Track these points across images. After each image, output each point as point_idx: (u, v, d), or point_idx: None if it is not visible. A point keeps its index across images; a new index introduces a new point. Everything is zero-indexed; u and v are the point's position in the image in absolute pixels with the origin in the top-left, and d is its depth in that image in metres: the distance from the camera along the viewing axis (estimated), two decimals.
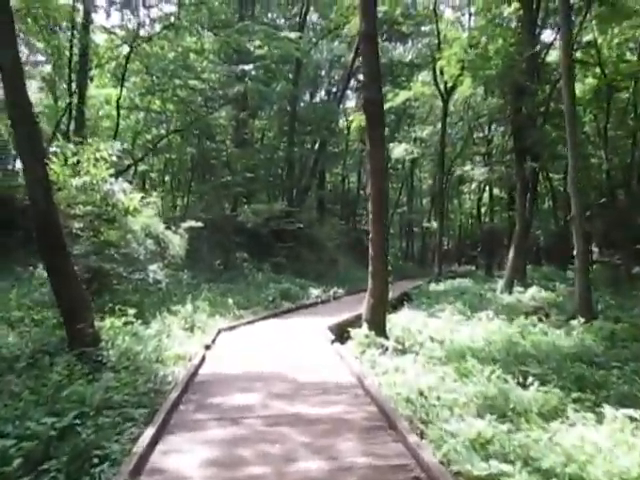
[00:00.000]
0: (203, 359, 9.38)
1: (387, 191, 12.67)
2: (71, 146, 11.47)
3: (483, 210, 50.79)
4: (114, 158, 11.10)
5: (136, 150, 26.38)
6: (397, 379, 8.25)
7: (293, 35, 22.68)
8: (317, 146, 32.28)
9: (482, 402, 6.72)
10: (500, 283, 22.05)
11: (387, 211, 12.23)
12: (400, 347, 11.13)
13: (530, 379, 7.38)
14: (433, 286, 25.50)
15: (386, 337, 11.78)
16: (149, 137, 28.79)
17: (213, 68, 24.77)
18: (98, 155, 10.86)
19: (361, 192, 42.46)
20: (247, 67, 23.97)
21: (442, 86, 29.80)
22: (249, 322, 13.51)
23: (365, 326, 11.82)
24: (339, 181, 43.77)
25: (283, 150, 29.91)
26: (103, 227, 12.36)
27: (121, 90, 22.64)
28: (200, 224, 16.11)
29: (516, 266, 22.07)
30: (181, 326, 11.97)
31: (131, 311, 11.02)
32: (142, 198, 13.16)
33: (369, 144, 11.95)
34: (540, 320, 14.69)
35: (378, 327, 11.80)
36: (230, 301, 14.96)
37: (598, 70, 28.96)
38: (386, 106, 34.99)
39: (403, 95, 32.95)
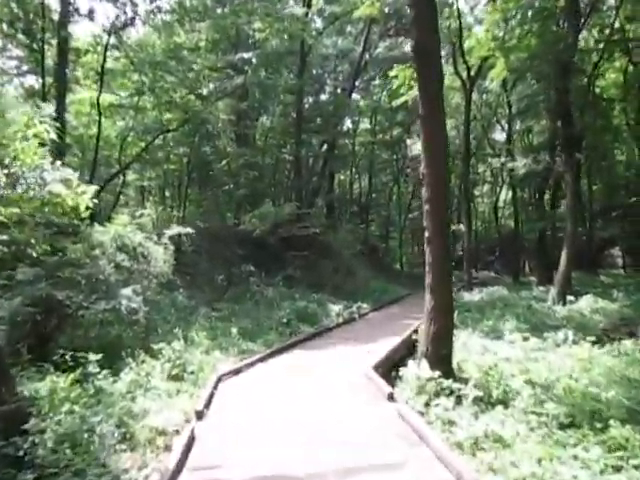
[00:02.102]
0: (189, 444, 5.70)
1: (446, 175, 9.02)
2: None
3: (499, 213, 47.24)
4: (52, 135, 7.48)
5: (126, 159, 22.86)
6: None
7: (299, 10, 19.17)
8: (325, 146, 28.79)
9: None
10: (552, 292, 18.37)
11: (448, 205, 8.62)
12: (481, 394, 7.55)
13: None
14: (467, 296, 21.81)
15: (454, 377, 8.24)
16: (141, 143, 25.40)
17: (208, 58, 21.19)
18: (30, 133, 7.22)
19: (373, 195, 38.85)
20: (247, 55, 20.49)
21: (464, 74, 26.20)
22: (260, 359, 9.82)
23: (424, 363, 8.23)
24: (348, 185, 40.12)
25: (289, 150, 26.36)
26: (58, 240, 8.82)
27: (101, 84, 19.14)
28: (189, 230, 12.57)
29: (568, 272, 18.40)
30: (166, 373, 8.39)
31: (93, 357, 7.51)
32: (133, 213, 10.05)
33: (422, 107, 8.41)
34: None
35: (443, 364, 8.25)
36: (234, 330, 11.28)
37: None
38: (399, 101, 31.71)
39: (416, 88, 29.36)
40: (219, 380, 8.20)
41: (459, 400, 7.64)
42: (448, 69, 28.85)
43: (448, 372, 8.21)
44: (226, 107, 19.76)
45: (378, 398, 7.23)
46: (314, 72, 30.82)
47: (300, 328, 14.14)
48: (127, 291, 8.99)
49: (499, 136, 44.48)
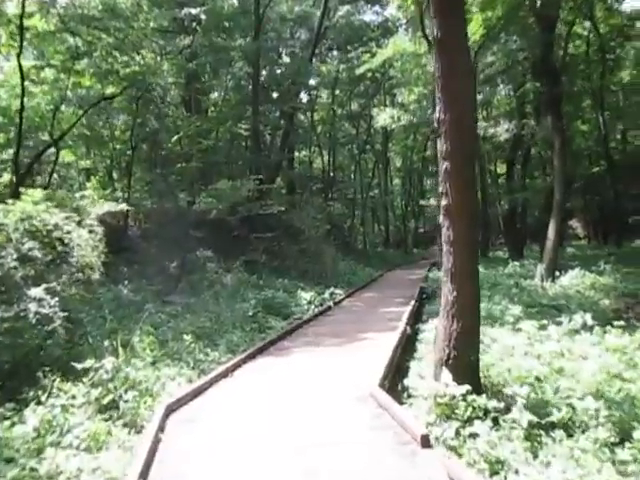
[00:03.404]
0: None
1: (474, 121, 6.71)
2: None
3: None
4: None
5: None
6: None
7: None
8: (283, 120, 26.17)
9: None
10: (539, 268, 16.59)
11: (474, 165, 6.35)
12: (535, 419, 5.49)
13: None
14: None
15: (485, 391, 6.22)
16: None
17: (151, 16, 18.15)
18: None
19: (334, 173, 36.42)
20: (194, 11, 17.65)
21: (432, 37, 23.98)
22: (222, 375, 7.37)
23: (445, 373, 6.09)
24: (308, 162, 37.52)
25: (246, 123, 23.63)
26: None
27: (21, 40, 15.96)
28: (124, 206, 10.01)
29: (557, 246, 16.66)
30: (93, 405, 5.94)
31: None
32: None
33: (437, 26, 6.11)
34: None
35: (470, 374, 6.16)
36: (189, 331, 8.75)
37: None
38: (362, 69, 29.32)
39: (382, 54, 27.05)
40: (166, 416, 5.75)
41: (495, 422, 5.58)
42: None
43: (476, 384, 6.10)
44: (172, 68, 16.92)
45: (403, 442, 4.86)
46: (269, 40, 28.00)
47: (269, 322, 11.79)
48: (37, 291, 6.45)
49: None
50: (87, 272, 7.87)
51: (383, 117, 25.03)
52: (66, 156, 23.38)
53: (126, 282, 13.93)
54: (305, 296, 15.26)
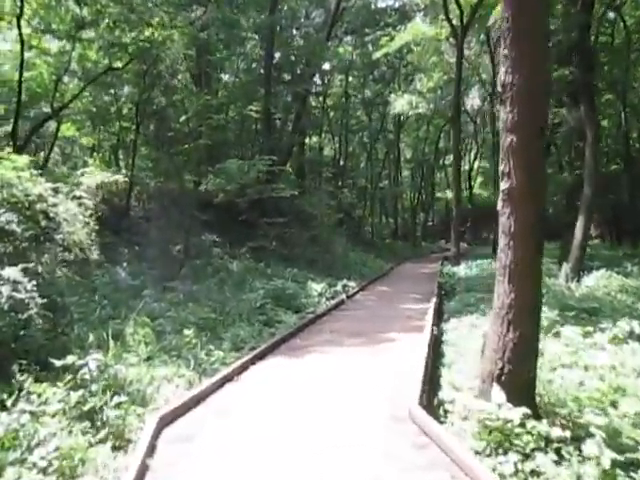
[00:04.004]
0: None
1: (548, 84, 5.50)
2: None
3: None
4: None
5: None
6: None
7: None
8: (296, 104, 24.89)
9: None
10: (565, 268, 15.45)
11: (543, 139, 5.17)
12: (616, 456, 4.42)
13: None
14: (462, 271, 18.73)
15: (544, 415, 5.15)
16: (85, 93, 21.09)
17: None
18: None
19: (343, 162, 35.12)
20: None
21: (456, 20, 22.64)
22: (227, 378, 6.28)
23: (497, 391, 5.02)
24: (318, 149, 36.22)
25: (258, 105, 22.40)
26: None
27: (22, 5, 14.77)
28: (120, 177, 8.91)
29: (584, 244, 15.52)
30: (70, 413, 4.88)
31: None
32: None
33: None
34: None
35: (526, 394, 5.09)
36: (188, 332, 7.59)
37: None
38: (379, 53, 28.01)
39: (400, 39, 25.77)
40: (160, 429, 4.68)
41: (559, 454, 4.55)
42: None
43: (533, 405, 5.03)
44: (182, 38, 15.70)
45: None
46: (284, 20, 26.64)
47: (278, 315, 10.70)
48: (12, 272, 5.37)
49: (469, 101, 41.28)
50: (76, 252, 6.77)
51: (401, 103, 23.84)
52: (67, 131, 22.20)
53: (125, 265, 12.88)
54: (316, 287, 14.18)
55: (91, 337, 6.67)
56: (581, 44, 15.01)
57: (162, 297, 10.80)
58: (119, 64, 18.33)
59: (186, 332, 7.42)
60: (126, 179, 9.94)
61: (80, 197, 7.26)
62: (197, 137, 16.42)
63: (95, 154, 24.32)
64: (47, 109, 19.06)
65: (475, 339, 8.96)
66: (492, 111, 30.79)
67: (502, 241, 5.13)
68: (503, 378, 5.03)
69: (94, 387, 5.27)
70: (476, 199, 48.61)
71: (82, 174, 13.18)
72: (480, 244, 46.14)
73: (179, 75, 18.26)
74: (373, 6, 32.60)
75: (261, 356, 7.32)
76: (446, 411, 5.80)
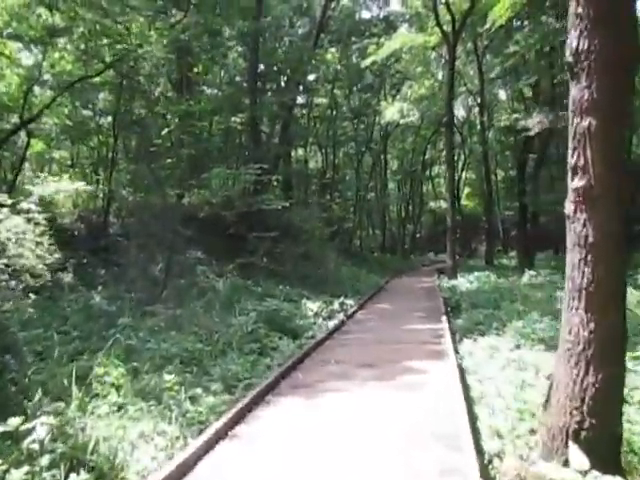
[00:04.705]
0: None
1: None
2: None
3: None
4: None
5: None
6: None
7: None
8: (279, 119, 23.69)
9: None
10: None
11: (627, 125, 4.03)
12: None
13: None
14: (463, 286, 17.56)
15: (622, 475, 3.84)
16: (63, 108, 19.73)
17: None
18: None
19: (331, 174, 33.95)
20: None
21: (447, 27, 21.73)
22: (219, 435, 4.81)
23: (575, 452, 3.77)
24: (303, 161, 35.03)
25: (243, 117, 21.19)
26: None
27: None
28: (80, 185, 7.77)
29: None
30: None
31: None
32: None
33: None
34: None
35: (611, 452, 3.83)
36: (169, 378, 6.17)
37: None
38: (368, 61, 27.05)
39: (388, 47, 24.82)
40: None
41: None
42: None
43: (620, 468, 3.82)
44: (161, 41, 14.38)
45: None
46: (268, 28, 25.60)
47: (273, 341, 9.39)
48: None
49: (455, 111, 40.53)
50: (26, 279, 5.45)
51: (391, 111, 22.83)
52: (36, 146, 20.86)
53: (100, 288, 11.50)
54: (311, 307, 12.92)
55: (50, 384, 5.32)
56: None
57: (141, 324, 9.45)
58: (95, 72, 17.08)
59: (167, 377, 6.06)
60: (87, 187, 8.53)
61: (29, 211, 5.91)
62: (180, 146, 15.14)
63: (72, 170, 22.92)
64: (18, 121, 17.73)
65: (498, 365, 7.79)
66: (481, 120, 30.04)
67: (574, 256, 3.94)
68: (583, 435, 3.81)
69: (45, 460, 3.95)
70: (463, 210, 47.88)
71: (56, 192, 11.90)
72: (470, 256, 45.34)
73: (159, 83, 16.97)
74: (358, 16, 31.85)
75: (258, 400, 5.99)
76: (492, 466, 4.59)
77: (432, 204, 46.84)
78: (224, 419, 5.12)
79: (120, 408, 5.55)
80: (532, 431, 5.22)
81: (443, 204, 43.54)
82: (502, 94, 42.60)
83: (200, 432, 4.98)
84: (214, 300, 11.82)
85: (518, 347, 8.99)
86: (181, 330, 9.30)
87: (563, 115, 14.81)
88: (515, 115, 16.39)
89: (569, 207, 4.02)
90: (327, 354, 8.58)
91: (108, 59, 16.09)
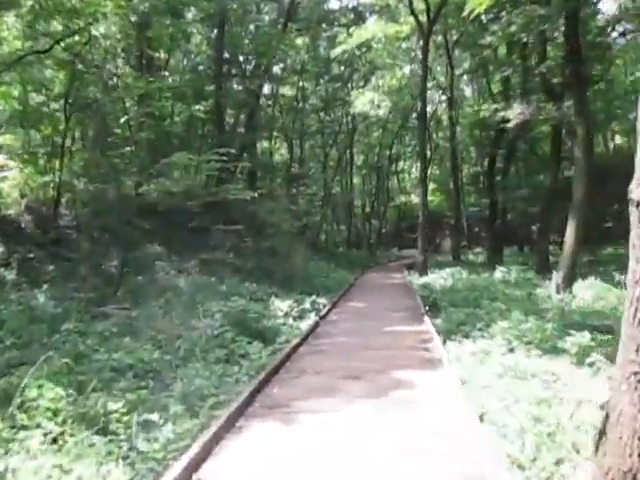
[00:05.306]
0: None
1: None
2: None
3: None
4: None
5: None
6: None
7: None
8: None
9: None
10: (555, 277, 13.80)
11: None
12: None
13: None
14: (437, 283, 16.81)
15: None
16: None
17: None
18: None
19: (298, 167, 32.86)
20: None
21: (421, 16, 20.94)
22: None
23: None
24: (268, 153, 33.77)
25: (206, 102, 19.87)
26: None
27: None
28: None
29: (577, 251, 13.93)
30: None
31: None
32: None
33: None
34: None
35: None
36: (116, 407, 4.92)
37: None
38: (338, 50, 26.08)
39: (359, 36, 23.91)
40: None
41: None
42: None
43: None
44: (117, 11, 12.89)
45: None
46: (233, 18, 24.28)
47: (242, 346, 8.30)
48: None
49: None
50: None
51: (362, 101, 21.90)
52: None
53: (45, 286, 10.16)
54: (281, 306, 11.86)
55: None
56: (571, 32, 13.47)
57: (90, 329, 8.23)
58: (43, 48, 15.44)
59: (112, 406, 4.89)
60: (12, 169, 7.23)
61: None
62: (139, 132, 13.79)
63: (19, 157, 21.10)
64: None
65: (492, 373, 6.98)
66: (450, 114, 29.47)
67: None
68: None
69: None
70: (428, 206, 47.42)
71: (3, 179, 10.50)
72: (435, 251, 44.95)
73: (118, 64, 15.52)
74: (327, 5, 30.82)
75: (229, 426, 4.91)
76: None
77: (402, 198, 46.30)
78: (186, 457, 4.03)
79: (55, 440, 4.43)
80: (557, 462, 4.38)
81: (414, 198, 43.12)
82: (468, 91, 42.52)
83: (156, 478, 3.89)
84: (175, 300, 10.62)
85: (511, 351, 8.25)
86: (137, 335, 8.13)
87: (544, 107, 14.17)
88: (495, 105, 15.72)
89: (635, 192, 3.12)
90: (304, 362, 7.53)
91: (59, 33, 14.58)
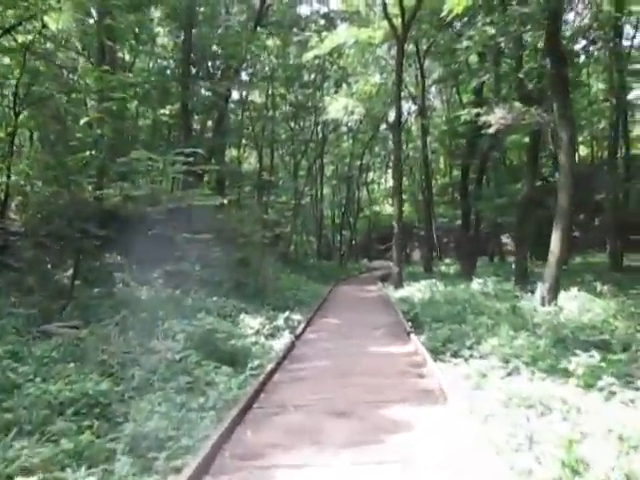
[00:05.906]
0: None
1: None
2: None
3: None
4: None
5: None
6: None
7: None
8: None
9: None
10: (540, 288, 13.05)
11: None
12: None
13: None
14: (414, 296, 15.89)
15: None
16: None
17: None
18: None
19: (268, 176, 31.67)
20: None
21: (396, 20, 20.23)
22: None
23: None
24: (237, 162, 32.54)
25: (172, 105, 18.66)
26: None
27: None
28: None
29: (561, 262, 13.23)
30: None
31: None
32: None
33: None
34: None
35: None
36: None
37: None
38: (310, 54, 25.18)
39: (332, 40, 23.10)
40: None
41: None
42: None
43: None
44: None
45: None
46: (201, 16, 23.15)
47: (208, 373, 7.12)
48: None
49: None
50: None
51: (335, 107, 21.03)
52: None
53: None
54: (252, 323, 10.71)
55: None
56: (553, 34, 12.85)
57: (30, 350, 6.95)
58: None
59: (36, 460, 3.73)
60: None
61: None
62: (99, 126, 12.47)
63: None
64: None
65: (494, 399, 6.11)
66: (422, 123, 28.87)
67: None
68: None
69: None
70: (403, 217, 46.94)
71: None
72: (405, 262, 44.26)
73: (75, 55, 14.18)
74: (298, 10, 30.02)
75: None
76: None
77: (374, 208, 45.55)
78: None
79: None
80: None
81: (385, 209, 42.45)
82: (436, 102, 42.28)
83: None
84: (133, 316, 9.34)
85: (509, 374, 7.35)
86: (84, 360, 6.87)
87: (527, 110, 13.49)
88: (476, 110, 15.06)
89: None
90: (281, 393, 6.36)
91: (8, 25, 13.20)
